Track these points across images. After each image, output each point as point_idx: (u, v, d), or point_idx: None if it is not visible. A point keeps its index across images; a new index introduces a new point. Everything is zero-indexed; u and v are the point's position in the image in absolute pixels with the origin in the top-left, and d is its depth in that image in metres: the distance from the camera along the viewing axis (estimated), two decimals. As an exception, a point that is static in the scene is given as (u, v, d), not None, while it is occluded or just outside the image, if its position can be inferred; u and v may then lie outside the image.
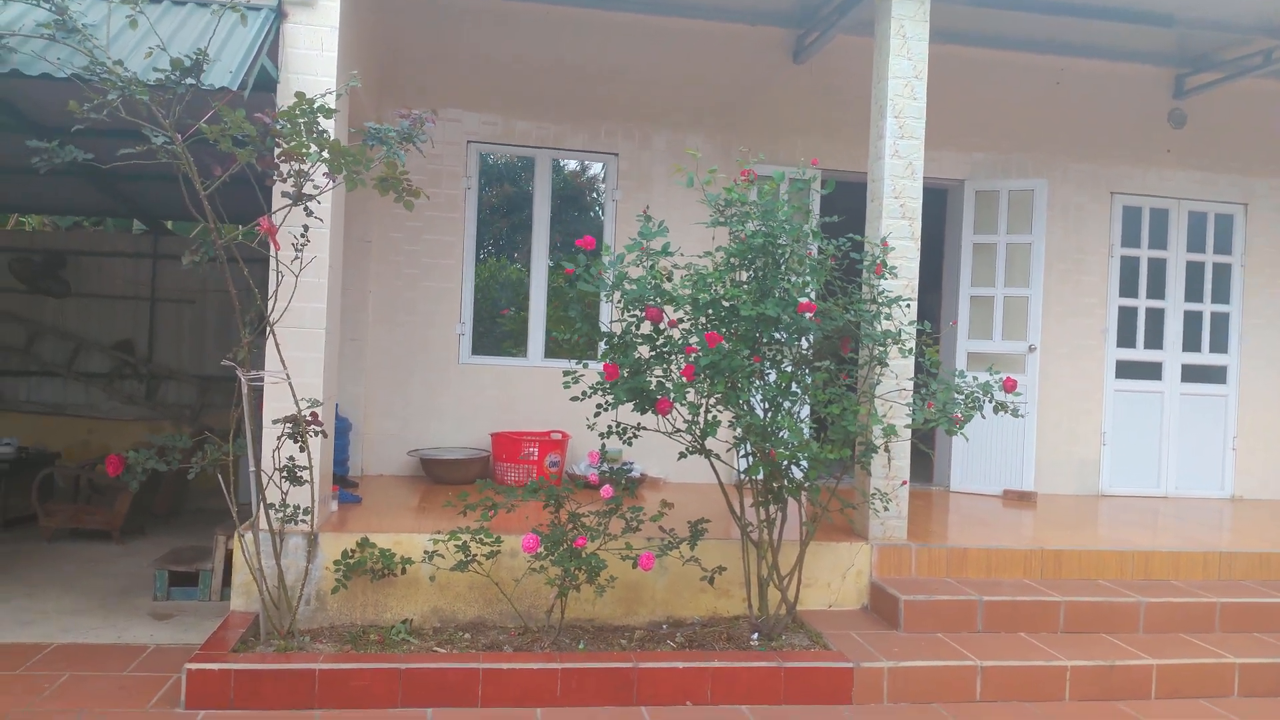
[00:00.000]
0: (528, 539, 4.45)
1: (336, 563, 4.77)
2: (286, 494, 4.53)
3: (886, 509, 5.32)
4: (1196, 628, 5.29)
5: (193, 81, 4.00)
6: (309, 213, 4.38)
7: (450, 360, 7.30)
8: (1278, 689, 4.88)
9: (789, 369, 4.73)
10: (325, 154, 4.15)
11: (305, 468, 4.54)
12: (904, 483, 5.42)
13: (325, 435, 4.77)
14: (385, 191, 4.35)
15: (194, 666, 4.09)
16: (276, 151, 4.16)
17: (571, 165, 7.85)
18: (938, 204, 8.31)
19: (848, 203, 6.12)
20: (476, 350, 7.42)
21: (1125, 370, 8.08)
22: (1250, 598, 5.44)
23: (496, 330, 7.61)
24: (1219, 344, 8.22)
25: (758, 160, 5.24)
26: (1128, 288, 8.09)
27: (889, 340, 4.76)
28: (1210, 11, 6.78)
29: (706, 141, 7.54)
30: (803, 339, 4.71)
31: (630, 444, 4.86)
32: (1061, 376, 7.91)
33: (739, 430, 4.60)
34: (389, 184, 4.32)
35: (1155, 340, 8.13)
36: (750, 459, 4.67)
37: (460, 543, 4.60)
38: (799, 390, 4.72)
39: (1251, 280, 8.27)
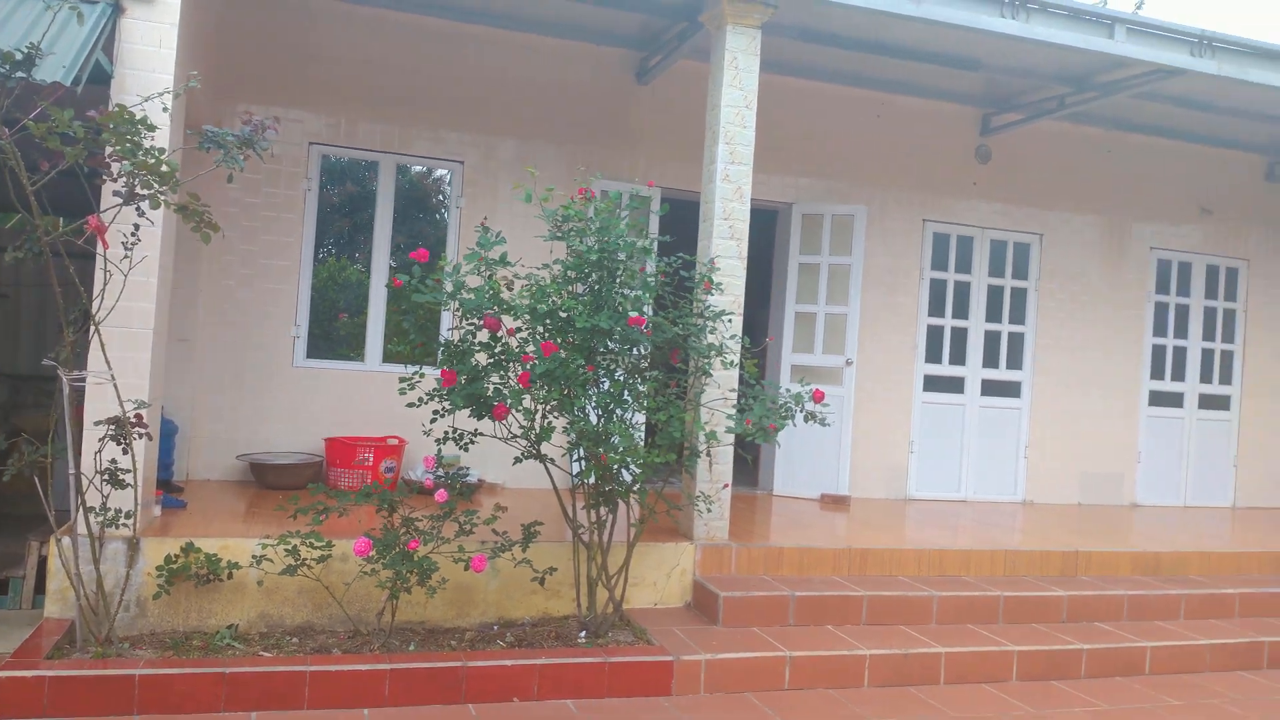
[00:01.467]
0: (360, 542, 4.52)
1: (159, 568, 4.69)
2: (107, 497, 4.43)
3: (709, 511, 5.65)
4: (982, 619, 5.85)
5: (23, 75, 3.89)
6: (141, 212, 4.32)
7: (284, 363, 7.20)
8: (1049, 672, 5.47)
9: (621, 378, 4.97)
10: (139, 170, 4.06)
11: (128, 471, 4.45)
12: (725, 486, 5.76)
13: (150, 438, 4.68)
14: (187, 221, 4.31)
15: (3, 674, 3.96)
16: (107, 151, 4.09)
17: (419, 168, 7.88)
18: (769, 225, 8.80)
19: (693, 219, 6.43)
20: (313, 353, 7.34)
21: (932, 384, 8.77)
22: (1030, 591, 6.05)
23: (336, 333, 7.55)
24: (1015, 361, 9.03)
25: (595, 178, 5.47)
26: (936, 308, 8.78)
27: (712, 353, 5.08)
28: (1013, 60, 7.46)
29: (555, 154, 7.72)
30: (634, 349, 4.95)
31: (467, 449, 4.99)
32: (875, 389, 8.51)
33: (573, 435, 4.80)
34: (189, 215, 4.28)
35: (959, 357, 8.85)
36: (583, 463, 4.89)
37: (290, 547, 4.60)
38: (631, 398, 4.97)
39: (1044, 304, 9.11)
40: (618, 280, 4.88)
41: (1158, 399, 9.53)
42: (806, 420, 4.91)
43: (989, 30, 6.32)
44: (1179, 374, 9.62)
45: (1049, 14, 6.48)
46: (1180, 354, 9.63)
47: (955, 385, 8.85)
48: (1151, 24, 6.77)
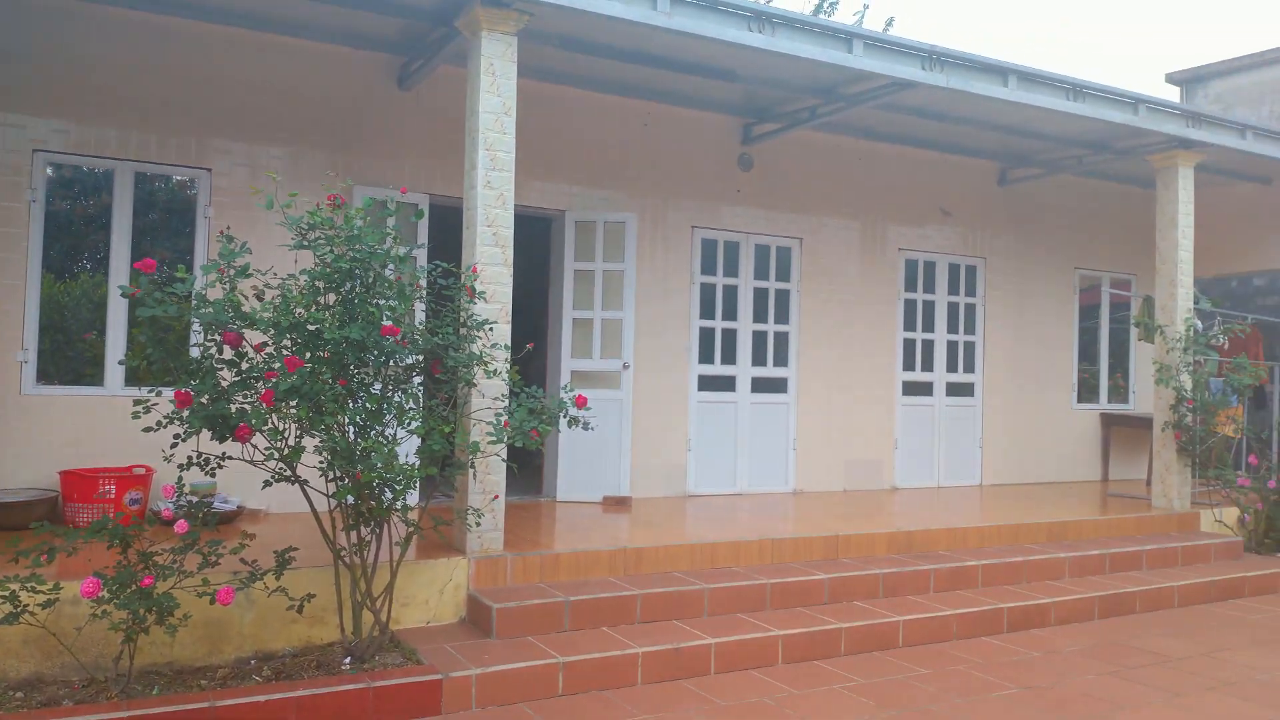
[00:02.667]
0: (87, 583, 4.14)
1: None
2: None
3: (479, 524, 5.57)
4: (751, 607, 6.07)
5: None
6: None
7: (10, 391, 6.54)
8: (813, 653, 5.73)
9: (379, 391, 4.81)
10: None
11: None
12: (496, 497, 5.70)
13: None
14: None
15: None
16: None
17: (177, 177, 7.33)
18: (545, 232, 8.82)
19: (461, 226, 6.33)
20: (45, 379, 6.71)
21: (706, 383, 9.06)
22: (795, 577, 6.34)
23: (78, 355, 6.92)
24: (781, 359, 9.47)
25: (346, 183, 5.28)
26: (707, 311, 9.08)
27: (473, 362, 5.01)
28: (766, 71, 7.80)
29: (315, 161, 7.41)
30: (391, 360, 4.81)
31: (213, 475, 4.69)
32: (653, 390, 8.69)
33: (325, 455, 4.61)
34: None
35: (730, 356, 9.19)
36: (339, 483, 4.70)
37: (8, 592, 4.17)
38: (391, 412, 4.82)
39: (807, 304, 9.61)
40: (371, 290, 4.72)
41: (911, 389, 10.26)
42: (570, 425, 4.92)
43: (737, 42, 6.58)
44: (928, 365, 10.40)
45: (792, 28, 6.83)
46: (929, 346, 10.40)
47: (728, 384, 9.18)
48: (886, 40, 7.27)
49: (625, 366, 8.25)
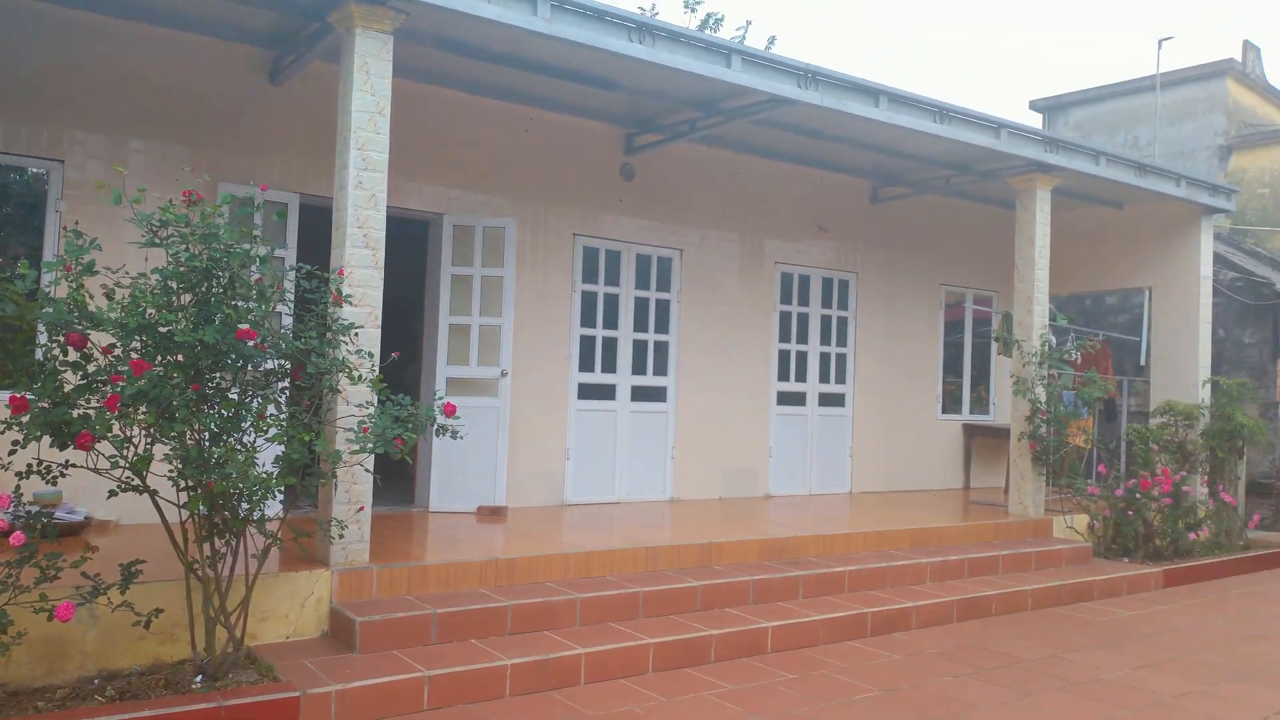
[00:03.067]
0: (-96, 600, 3.84)
1: None
2: None
3: (342, 535, 5.41)
4: (624, 616, 6.07)
5: None
6: None
7: None
8: (684, 660, 5.77)
9: (235, 396, 4.62)
10: None
11: None
12: (361, 508, 5.54)
13: None
14: None
15: None
16: None
17: (32, 169, 6.88)
18: (422, 235, 8.66)
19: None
20: None
21: (586, 392, 9.04)
22: (668, 585, 6.37)
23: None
24: (661, 368, 9.54)
25: (205, 178, 5.06)
26: (588, 319, 9.07)
27: (336, 368, 4.86)
28: (647, 82, 7.85)
29: (179, 156, 7.07)
30: (249, 365, 4.62)
31: (55, 483, 4.42)
32: (530, 398, 8.62)
33: (175, 463, 4.39)
34: None
35: (610, 365, 9.20)
36: (190, 493, 4.48)
37: None
38: (249, 419, 4.63)
39: (687, 314, 9.70)
40: (229, 291, 4.53)
41: (785, 399, 10.48)
42: (438, 434, 4.82)
43: (619, 52, 6.61)
44: (802, 375, 10.64)
45: (674, 41, 6.90)
46: (803, 358, 10.65)
47: (607, 392, 9.18)
48: (764, 56, 7.41)
49: (503, 374, 8.16)
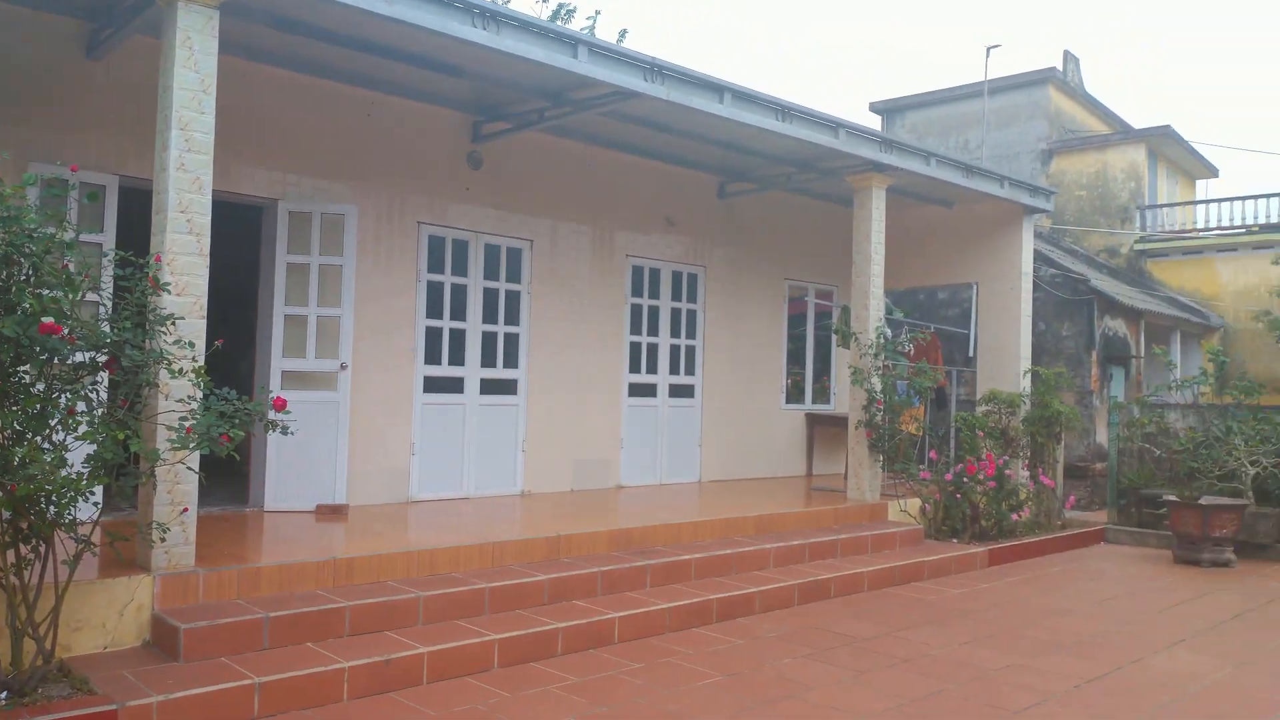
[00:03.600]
0: None
1: None
2: None
3: (164, 538, 5.11)
4: (469, 613, 5.97)
5: None
6: None
7: None
8: (530, 655, 5.72)
9: (41, 392, 4.28)
10: None
11: None
12: (185, 509, 5.25)
13: None
14: None
15: None
16: None
17: None
18: (255, 221, 8.28)
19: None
20: None
21: (433, 385, 8.85)
22: (515, 579, 6.31)
23: None
24: (511, 360, 9.43)
25: (2, 158, 4.67)
26: (434, 310, 8.87)
27: (154, 361, 4.58)
28: (493, 70, 7.72)
29: (-26, 131, 6.52)
30: (56, 358, 4.29)
31: None
32: (373, 392, 8.37)
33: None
34: None
35: (458, 358, 9.03)
36: (-11, 496, 4.13)
37: None
38: (57, 416, 4.30)
39: (537, 306, 9.63)
40: (34, 279, 4.19)
41: (636, 390, 10.55)
42: (268, 430, 4.62)
43: (460, 37, 6.47)
44: (653, 367, 10.74)
45: (518, 29, 6.80)
46: (653, 350, 10.76)
47: (455, 385, 9.02)
48: (610, 48, 7.42)
49: (343, 367, 7.89)
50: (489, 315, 9.26)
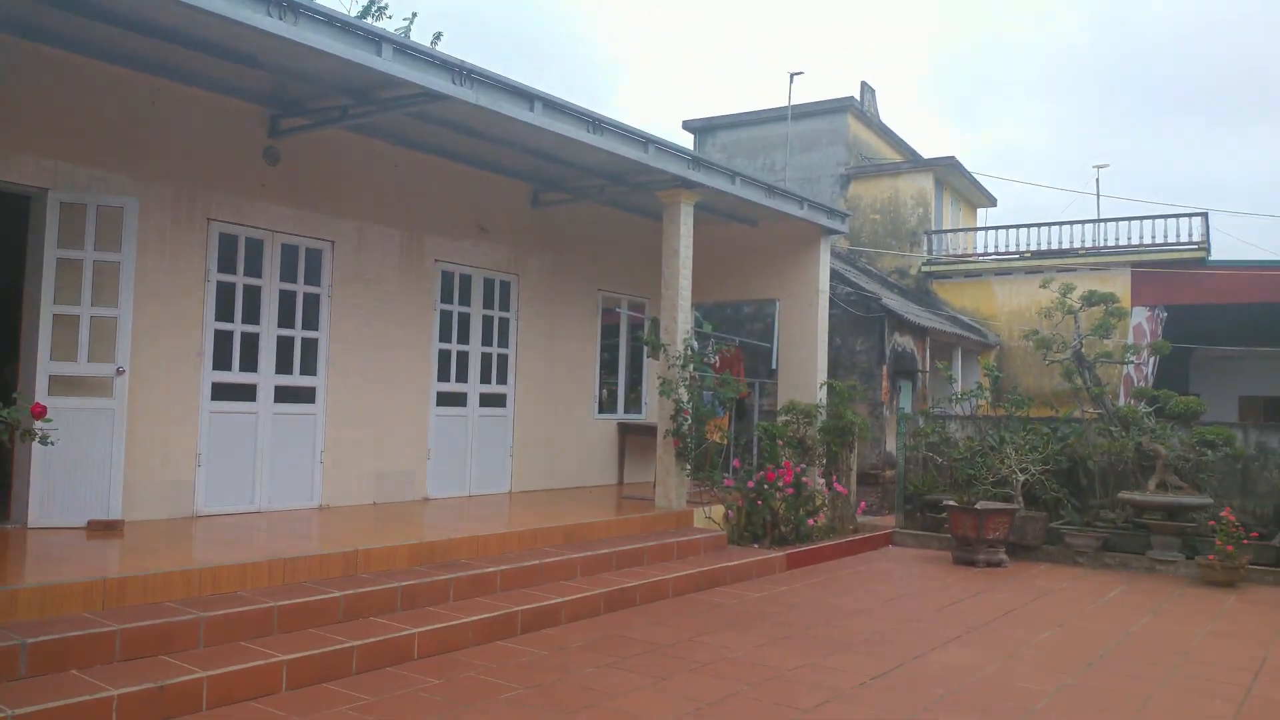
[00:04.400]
0: None
1: None
2: None
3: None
4: (256, 633, 5.64)
5: None
6: None
7: None
8: (322, 675, 5.45)
9: None
10: None
11: None
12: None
13: None
14: None
15: None
16: None
17: None
18: (20, 213, 7.56)
19: None
20: None
21: (222, 392, 8.33)
22: (308, 597, 6.01)
23: None
24: (309, 367, 9.01)
25: None
26: (225, 313, 8.36)
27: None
28: (291, 62, 7.37)
29: None
30: None
31: None
32: (155, 399, 7.80)
33: None
34: None
35: (251, 363, 8.54)
36: None
37: None
38: None
39: (339, 310, 9.26)
40: None
41: (445, 399, 10.33)
42: (24, 439, 4.19)
43: (254, 25, 6.14)
44: (463, 376, 10.55)
45: (318, 21, 6.53)
46: (464, 358, 10.56)
47: (247, 393, 8.53)
48: (417, 48, 7.24)
49: (120, 371, 7.30)
50: (285, 319, 8.82)
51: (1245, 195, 68.19)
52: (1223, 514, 9.70)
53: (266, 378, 8.65)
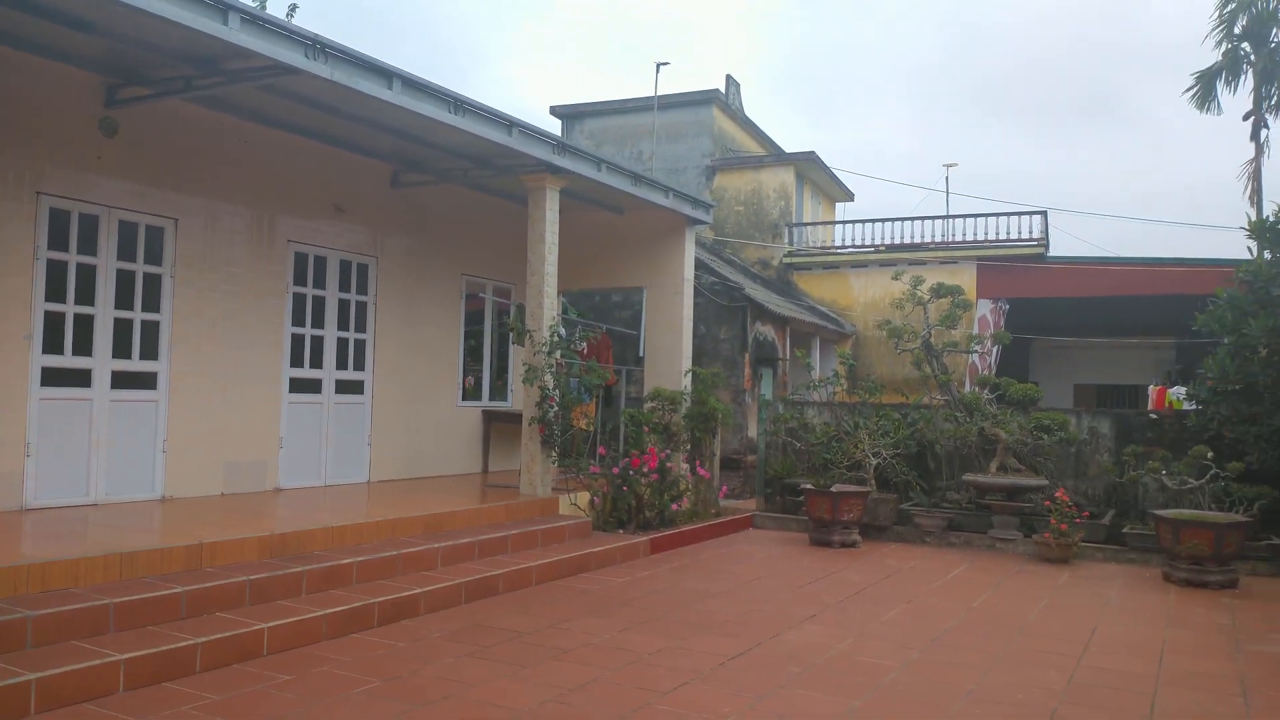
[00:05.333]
0: None
1: None
2: None
3: None
4: (91, 632, 5.31)
5: None
6: None
7: None
8: (163, 674, 5.17)
9: None
10: None
11: None
12: None
13: None
14: None
15: None
16: None
17: None
18: None
19: None
20: None
21: (54, 378, 7.79)
22: (147, 593, 5.70)
23: None
24: (150, 351, 8.52)
25: None
26: (55, 293, 7.81)
27: None
28: (129, 27, 6.90)
29: None
30: None
31: None
32: (-25, 386, 7.23)
33: None
34: None
35: (85, 347, 8.02)
36: None
37: None
38: None
39: (184, 292, 8.78)
40: None
41: (298, 386, 9.95)
42: None
43: (87, -15, 5.74)
44: (318, 361, 10.19)
45: (160, -16, 6.15)
46: (318, 342, 10.20)
47: (82, 378, 8.00)
48: (267, 19, 6.91)
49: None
50: (124, 300, 8.31)
51: (1083, 196, 72.87)
52: (1057, 494, 10.33)
53: (103, 362, 8.13)
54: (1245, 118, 25.22)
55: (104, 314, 8.14)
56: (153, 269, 8.54)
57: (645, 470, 10.32)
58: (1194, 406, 11.02)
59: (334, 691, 5.15)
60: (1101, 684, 5.76)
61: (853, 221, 23.30)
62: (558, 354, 10.13)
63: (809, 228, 24.03)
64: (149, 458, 8.49)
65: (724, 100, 23.77)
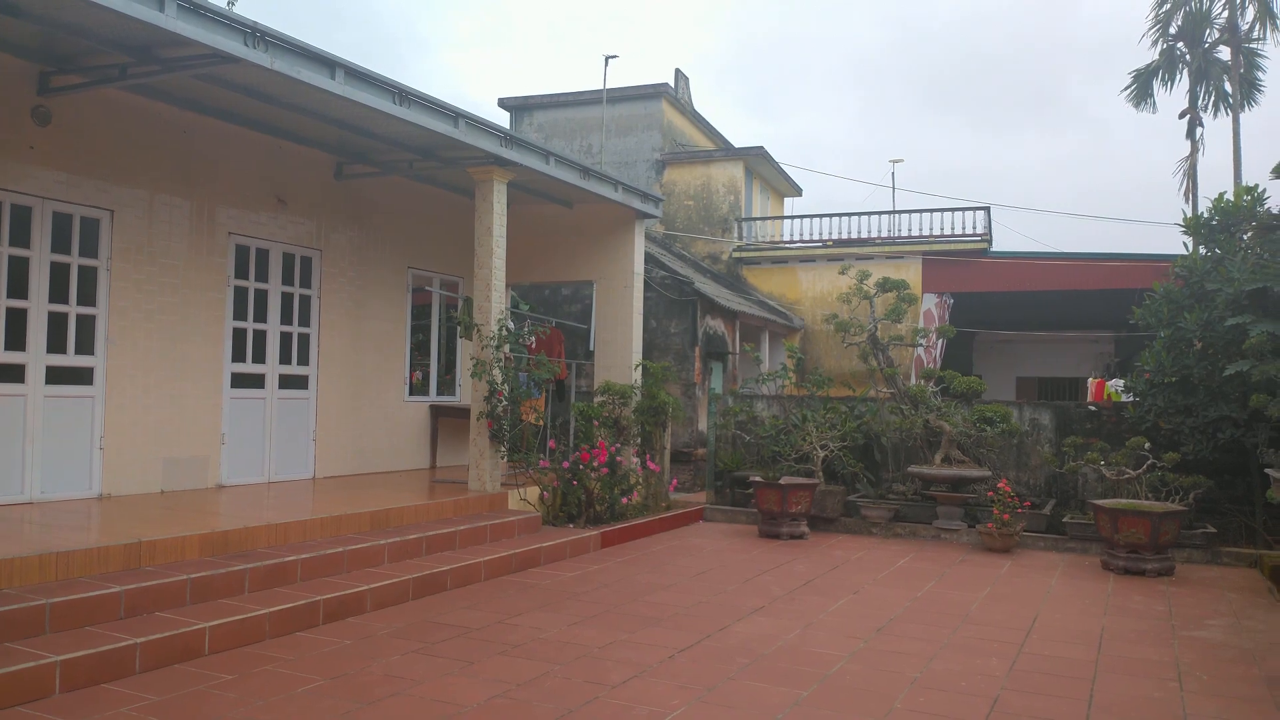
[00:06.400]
0: None
1: None
2: None
3: None
4: (25, 633, 5.17)
5: None
6: None
7: None
8: (101, 676, 5.06)
9: None
10: None
11: None
12: None
13: None
14: None
15: None
16: None
17: None
18: None
19: None
20: None
21: (-17, 374, 7.57)
22: (84, 592, 5.56)
23: None
24: (85, 346, 8.30)
25: None
26: (-14, 287, 7.58)
27: None
28: (62, 14, 6.71)
29: None
30: None
31: None
32: (-99, 382, 6.99)
33: None
34: None
35: (17, 342, 7.78)
36: None
37: None
38: None
39: (120, 285, 8.56)
40: None
41: (240, 381, 9.76)
42: None
43: (16, -33, 5.56)
44: (260, 356, 10.00)
45: (93, -32, 5.98)
46: (261, 337, 10.01)
47: (14, 374, 7.77)
48: (205, 6, 6.74)
49: None
50: (58, 294, 8.08)
51: (1026, 192, 74.19)
52: (1000, 485, 10.52)
53: (36, 357, 7.90)
54: (1181, 116, 25.90)
55: (38, 307, 7.91)
56: (88, 261, 8.32)
57: (595, 464, 10.30)
58: (1131, 399, 11.28)
59: (278, 691, 5.07)
60: (1043, 670, 5.88)
61: (801, 216, 23.48)
62: (506, 348, 10.07)
63: (758, 222, 24.17)
64: (85, 455, 8.27)
65: (673, 94, 23.79)
